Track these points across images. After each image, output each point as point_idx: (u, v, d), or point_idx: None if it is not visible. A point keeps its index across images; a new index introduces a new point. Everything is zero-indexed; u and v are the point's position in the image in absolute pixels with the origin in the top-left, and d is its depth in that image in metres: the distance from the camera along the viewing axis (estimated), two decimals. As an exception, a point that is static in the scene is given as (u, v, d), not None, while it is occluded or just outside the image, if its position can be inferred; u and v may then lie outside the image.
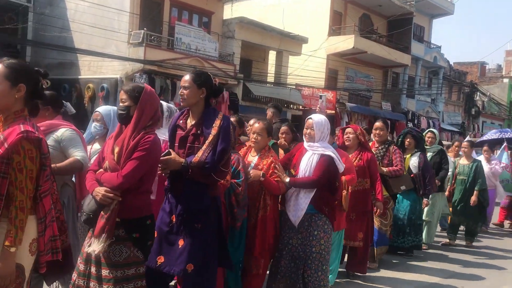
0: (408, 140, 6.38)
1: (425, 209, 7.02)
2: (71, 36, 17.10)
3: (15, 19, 17.42)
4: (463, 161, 7.91)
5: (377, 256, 5.91)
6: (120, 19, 15.58)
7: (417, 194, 6.32)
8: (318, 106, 5.68)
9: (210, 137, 3.10)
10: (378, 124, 5.93)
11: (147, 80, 14.98)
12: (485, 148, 9.06)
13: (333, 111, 22.67)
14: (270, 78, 20.59)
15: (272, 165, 4.08)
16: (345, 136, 5.29)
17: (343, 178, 4.58)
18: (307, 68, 21.05)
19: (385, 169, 5.69)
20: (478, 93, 33.28)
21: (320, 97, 6.11)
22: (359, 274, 5.37)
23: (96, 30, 15.03)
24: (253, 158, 4.20)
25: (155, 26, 16.45)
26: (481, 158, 8.83)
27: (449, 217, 8.21)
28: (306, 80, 20.77)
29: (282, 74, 20.58)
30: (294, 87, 20.48)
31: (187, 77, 3.21)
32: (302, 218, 3.98)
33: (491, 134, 12.53)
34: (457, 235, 7.86)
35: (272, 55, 21.33)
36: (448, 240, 7.80)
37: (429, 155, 6.94)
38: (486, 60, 61.20)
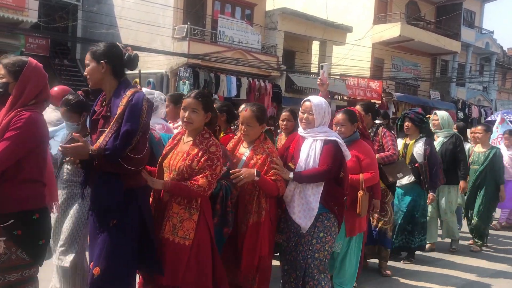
0: (406, 123, 5.44)
1: (448, 206, 6.08)
2: (118, 33, 17.60)
3: (66, 18, 18.11)
4: (478, 148, 6.66)
5: (383, 259, 5.09)
6: (165, 14, 15.85)
7: (421, 187, 5.35)
8: (319, 77, 4.34)
9: (114, 118, 2.63)
10: (356, 107, 4.99)
11: (191, 73, 15.19)
12: (505, 135, 7.90)
13: (379, 101, 22.22)
14: (314, 68, 20.36)
15: (269, 159, 3.31)
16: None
17: (360, 176, 4.02)
18: (352, 58, 20.70)
19: (376, 156, 4.74)
20: (534, 79, 31.67)
21: (321, 67, 4.94)
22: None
23: (142, 26, 15.37)
24: (245, 151, 3.43)
25: (198, 20, 16.62)
26: (502, 146, 7.78)
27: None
28: (351, 69, 20.42)
29: (326, 64, 20.29)
30: (338, 77, 20.18)
31: (87, 54, 2.76)
32: None
33: (497, 114, 11.21)
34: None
35: (315, 46, 21.09)
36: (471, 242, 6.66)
37: (439, 140, 6.05)
38: (543, 45, 58.11)
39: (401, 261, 5.54)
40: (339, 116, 4.04)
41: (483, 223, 6.48)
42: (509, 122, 8.61)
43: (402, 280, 4.99)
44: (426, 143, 5.37)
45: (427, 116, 6.33)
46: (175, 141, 3.11)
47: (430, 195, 5.50)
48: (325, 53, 20.37)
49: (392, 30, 22.41)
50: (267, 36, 18.52)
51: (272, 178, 3.28)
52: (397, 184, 5.27)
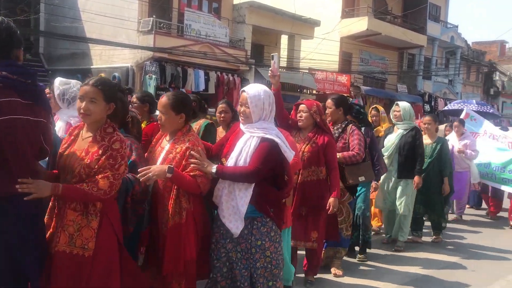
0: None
1: (403, 200, 5.84)
2: (82, 26, 17.19)
3: (27, 10, 17.54)
4: (425, 140, 6.33)
5: (335, 259, 4.90)
6: (130, 7, 15.53)
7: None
8: (270, 69, 4.02)
9: None
10: (327, 102, 4.88)
11: (157, 67, 14.96)
12: (455, 123, 7.76)
13: (348, 95, 22.42)
14: (283, 62, 20.36)
15: (188, 152, 2.93)
16: (298, 115, 4.32)
17: None
18: (321, 52, 20.79)
19: (339, 155, 4.52)
20: (497, 72, 32.55)
21: (272, 57, 3.97)
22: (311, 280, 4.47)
23: (106, 19, 15.02)
24: (165, 144, 3.09)
25: (164, 13, 16.37)
26: (452, 136, 7.71)
27: None
28: (319, 64, 20.50)
29: (294, 58, 20.35)
30: (306, 71, 20.25)
31: None
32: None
33: (454, 104, 11.20)
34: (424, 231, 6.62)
35: (284, 40, 21.08)
36: (410, 237, 6.35)
37: (398, 132, 5.88)
38: (506, 39, 59.77)
39: (356, 258, 5.36)
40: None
41: (437, 216, 6.47)
42: (474, 118, 8.44)
43: (349, 280, 4.73)
44: (365, 132, 5.20)
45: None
46: (72, 137, 2.68)
47: (374, 183, 5.41)
48: (294, 47, 20.41)
49: (360, 24, 22.60)
50: (235, 30, 18.40)
51: (191, 173, 2.90)
52: None
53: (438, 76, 29.02)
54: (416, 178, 5.86)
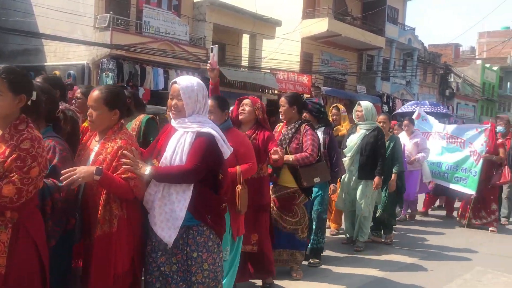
0: (304, 115, 5.01)
1: (363, 201, 5.72)
2: (35, 21, 16.47)
3: (-25, 4, 16.66)
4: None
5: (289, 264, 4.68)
6: (86, 3, 15.01)
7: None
8: (209, 61, 3.74)
9: None
10: (280, 100, 4.71)
11: (115, 65, 14.52)
12: (405, 122, 7.73)
13: (309, 95, 22.53)
14: (244, 62, 20.25)
15: (120, 152, 2.60)
16: (240, 108, 4.11)
17: (237, 168, 3.57)
18: (282, 52, 20.80)
19: (290, 158, 4.36)
20: (452, 74, 33.58)
21: (211, 49, 3.81)
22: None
23: (61, 14, 14.46)
24: (95, 145, 2.74)
25: (122, 9, 15.91)
26: (403, 135, 7.61)
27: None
28: (281, 64, 20.51)
29: (256, 58, 20.26)
30: (268, 71, 20.20)
31: None
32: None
33: (408, 106, 10.94)
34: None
35: (245, 39, 20.96)
36: (371, 238, 6.35)
37: (361, 133, 5.76)
38: (460, 42, 61.93)
39: (308, 263, 5.11)
40: (209, 102, 3.23)
41: (387, 215, 6.37)
42: (425, 119, 8.41)
43: (305, 284, 4.56)
44: (325, 132, 5.13)
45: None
46: None
47: (332, 185, 5.23)
48: (255, 46, 20.32)
49: (320, 25, 22.80)
50: (196, 28, 18.13)
51: (123, 176, 2.55)
52: None
53: (396, 77, 29.65)
54: (376, 178, 5.75)
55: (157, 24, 15.78)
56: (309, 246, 5.07)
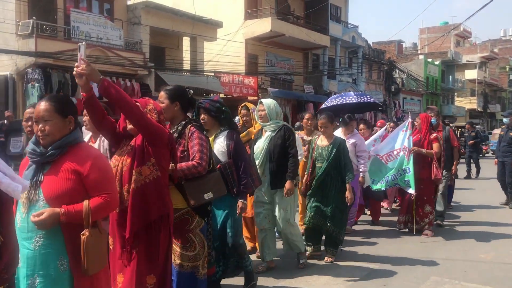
0: (202, 116, 4.18)
1: (281, 215, 4.96)
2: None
3: None
4: (321, 141, 5.63)
5: None
6: (5, 8, 13.78)
7: (231, 194, 4.10)
8: (76, 64, 2.64)
9: None
10: (159, 94, 3.78)
11: (41, 75, 13.38)
12: (342, 120, 6.98)
13: (255, 97, 22.02)
14: (186, 66, 19.46)
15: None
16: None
17: (85, 204, 2.48)
18: (226, 54, 20.19)
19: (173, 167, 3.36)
20: (396, 70, 34.10)
21: (79, 48, 2.65)
22: None
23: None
24: None
25: (48, 14, 14.75)
26: (338, 132, 6.80)
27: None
28: (225, 66, 19.87)
29: (198, 61, 19.51)
30: (212, 74, 19.52)
31: None
32: None
33: (332, 100, 9.56)
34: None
35: (186, 42, 20.17)
36: (307, 252, 5.56)
37: (267, 135, 4.93)
38: (403, 39, 63.49)
39: None
40: (42, 106, 2.60)
41: (336, 227, 5.51)
42: (409, 122, 7.04)
43: None
44: (229, 137, 4.18)
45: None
46: None
47: (240, 203, 4.16)
48: (196, 49, 19.58)
49: (263, 26, 22.36)
50: (131, 32, 17.16)
51: None
52: None
53: (342, 75, 29.67)
54: (287, 183, 4.83)
55: (87, 29, 14.73)
56: (244, 274, 4.42)
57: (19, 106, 13.83)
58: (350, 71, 30.28)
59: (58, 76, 13.82)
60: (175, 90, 3.62)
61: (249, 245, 5.65)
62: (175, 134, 3.48)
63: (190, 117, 3.95)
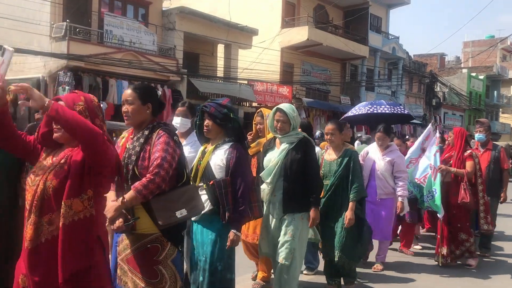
0: (206, 122, 3.46)
1: (286, 244, 3.92)
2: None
3: None
4: (329, 155, 4.80)
5: None
6: (42, 10, 13.81)
7: (222, 219, 3.32)
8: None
9: None
10: (126, 93, 3.00)
11: (72, 78, 13.27)
12: (378, 134, 5.73)
13: (289, 107, 21.44)
14: (220, 73, 19.13)
15: None
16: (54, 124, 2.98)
17: None
18: (261, 62, 19.77)
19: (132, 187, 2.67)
20: (438, 84, 32.82)
21: (2, 51, 2.03)
22: None
23: (17, 24, 13.23)
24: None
25: (83, 17, 14.71)
26: (373, 147, 5.81)
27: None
28: (260, 75, 19.44)
29: (232, 68, 19.14)
30: (246, 82, 19.11)
31: None
32: None
33: (360, 108, 8.43)
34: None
35: (221, 48, 19.87)
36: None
37: (282, 148, 4.02)
38: (445, 52, 61.58)
39: None
40: None
41: (347, 257, 4.55)
42: (437, 137, 6.17)
43: None
44: (232, 150, 3.38)
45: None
46: None
47: (231, 233, 3.27)
48: (230, 56, 19.23)
49: (300, 34, 21.88)
50: (166, 38, 16.98)
51: None
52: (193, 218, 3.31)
53: (381, 87, 28.74)
54: (312, 211, 3.96)
55: (121, 33, 14.60)
56: None
57: (50, 108, 13.74)
58: (389, 83, 29.30)
59: (89, 79, 13.70)
60: (148, 89, 2.97)
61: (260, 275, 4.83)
62: (141, 140, 2.81)
63: (194, 121, 3.44)
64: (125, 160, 2.78)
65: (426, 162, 6.03)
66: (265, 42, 20.49)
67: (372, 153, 5.70)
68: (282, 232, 3.96)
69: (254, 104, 19.49)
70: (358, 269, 5.02)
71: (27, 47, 13.39)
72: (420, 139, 6.61)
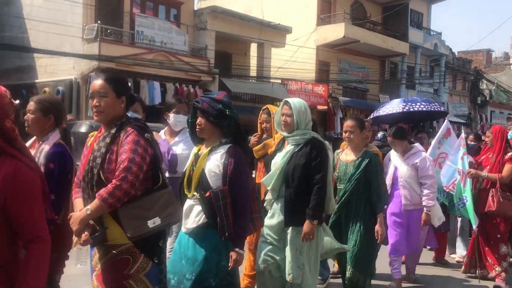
0: (198, 120, 2.96)
1: (292, 260, 3.43)
2: (28, 36, 15.58)
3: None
4: (346, 155, 4.23)
5: None
6: (74, 12, 13.93)
7: (220, 234, 2.85)
8: None
9: None
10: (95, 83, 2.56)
11: (103, 79, 13.28)
12: (389, 139, 5.11)
13: (325, 107, 20.91)
14: (253, 72, 18.83)
15: None
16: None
17: None
18: (296, 61, 19.33)
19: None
20: (484, 81, 31.29)
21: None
22: None
23: (51, 27, 13.43)
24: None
25: (115, 19, 14.74)
26: (393, 153, 5.06)
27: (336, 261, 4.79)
28: (295, 74, 19.00)
29: (265, 67, 18.79)
30: (279, 81, 18.72)
31: None
32: None
33: (393, 107, 7.79)
34: None
35: (254, 48, 19.57)
36: None
37: (288, 150, 3.54)
38: (492, 48, 59.13)
39: None
40: None
41: (361, 274, 3.99)
42: (462, 138, 5.51)
43: None
44: (230, 154, 2.89)
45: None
46: None
47: (233, 253, 2.82)
48: (263, 55, 18.88)
49: (336, 31, 21.28)
50: (198, 38, 16.83)
51: None
52: (183, 229, 2.97)
53: (422, 85, 27.65)
54: (305, 224, 3.37)
55: (152, 34, 14.54)
56: None
57: (82, 110, 13.86)
58: (432, 81, 28.14)
59: (120, 80, 13.66)
60: (122, 80, 2.65)
61: None
62: (107, 139, 2.45)
63: (187, 119, 3.07)
64: (89, 163, 2.44)
65: (453, 167, 5.36)
66: (299, 40, 20.00)
67: (394, 158, 5.01)
68: (289, 247, 3.46)
69: (288, 104, 19.05)
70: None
71: (60, 49, 13.57)
72: (436, 138, 5.88)
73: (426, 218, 4.77)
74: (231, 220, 2.83)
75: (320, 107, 20.53)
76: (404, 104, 7.74)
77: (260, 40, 18.51)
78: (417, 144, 5.16)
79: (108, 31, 13.90)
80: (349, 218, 4.05)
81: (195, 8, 17.15)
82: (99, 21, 13.71)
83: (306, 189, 3.43)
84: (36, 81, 15.37)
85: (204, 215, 2.86)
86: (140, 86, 14.07)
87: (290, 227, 3.47)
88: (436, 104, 8.49)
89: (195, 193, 2.91)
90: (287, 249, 3.46)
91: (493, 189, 5.05)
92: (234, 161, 2.87)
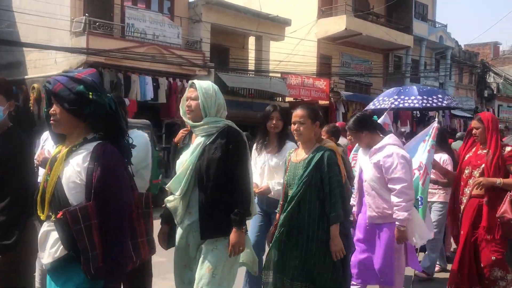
0: (52, 108, 2.14)
1: (203, 279, 2.77)
2: (17, 31, 15.10)
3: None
4: (296, 155, 3.39)
5: None
6: (62, 4, 13.41)
7: (85, 273, 2.06)
8: None
9: None
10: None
11: (92, 74, 12.75)
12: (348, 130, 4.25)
13: (327, 102, 20.29)
14: (251, 66, 18.24)
15: None
16: None
17: None
18: (297, 54, 18.72)
19: None
20: (491, 74, 30.51)
21: None
22: None
23: (40, 21, 12.92)
24: None
25: (105, 11, 14.19)
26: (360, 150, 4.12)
27: None
28: (295, 68, 18.37)
29: (263, 61, 18.19)
30: (279, 75, 18.11)
31: None
32: None
33: (384, 99, 7.06)
34: None
35: (252, 41, 18.96)
36: None
37: (197, 143, 2.92)
38: (500, 41, 58.00)
39: None
40: None
41: None
42: (434, 128, 4.46)
43: None
44: (96, 155, 2.08)
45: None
46: None
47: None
48: (261, 48, 18.27)
49: (338, 24, 20.63)
50: (192, 31, 16.25)
51: None
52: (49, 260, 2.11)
53: (428, 78, 26.92)
54: (232, 234, 2.75)
55: (143, 27, 13.99)
56: None
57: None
58: (437, 74, 27.42)
59: (110, 75, 13.14)
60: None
61: None
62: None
63: (43, 109, 2.23)
64: None
65: (417, 159, 4.25)
66: (299, 32, 19.36)
67: (360, 157, 3.96)
68: (199, 267, 2.76)
69: (288, 99, 18.44)
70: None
71: (49, 43, 13.08)
72: (418, 138, 4.71)
73: (399, 236, 3.54)
74: (99, 249, 2.02)
75: (321, 102, 19.93)
76: (396, 97, 6.89)
77: (258, 33, 17.90)
78: (388, 136, 3.79)
79: (97, 23, 13.36)
80: (297, 231, 3.20)
81: (190, 0, 16.53)
82: (86, 14, 13.17)
83: (225, 189, 2.75)
84: (26, 77, 14.88)
85: (62, 245, 2.06)
86: (131, 81, 13.54)
87: (205, 243, 2.77)
88: (438, 96, 7.58)
89: (50, 213, 2.11)
90: (198, 269, 2.76)
91: (510, 193, 3.88)
92: (102, 164, 2.04)
